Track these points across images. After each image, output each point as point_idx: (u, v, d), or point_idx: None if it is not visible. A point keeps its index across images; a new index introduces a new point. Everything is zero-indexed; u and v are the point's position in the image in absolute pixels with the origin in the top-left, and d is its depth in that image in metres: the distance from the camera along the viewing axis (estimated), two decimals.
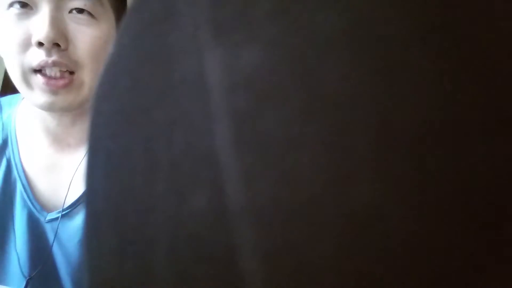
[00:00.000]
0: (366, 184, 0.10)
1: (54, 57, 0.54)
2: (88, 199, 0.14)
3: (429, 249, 0.09)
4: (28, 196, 0.63)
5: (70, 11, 0.55)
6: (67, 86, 0.56)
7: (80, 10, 0.56)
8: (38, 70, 0.55)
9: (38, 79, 0.55)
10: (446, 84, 0.10)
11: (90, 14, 0.56)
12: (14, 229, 0.63)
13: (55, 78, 0.55)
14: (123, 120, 0.13)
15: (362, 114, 0.10)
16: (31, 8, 0.55)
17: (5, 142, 0.66)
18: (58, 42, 0.54)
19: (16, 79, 0.57)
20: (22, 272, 0.62)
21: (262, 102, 0.10)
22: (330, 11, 0.11)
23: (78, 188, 0.63)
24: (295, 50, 0.11)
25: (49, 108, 0.58)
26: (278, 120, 0.10)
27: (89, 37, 0.56)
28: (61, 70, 0.56)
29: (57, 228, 0.61)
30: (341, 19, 0.10)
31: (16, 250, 0.63)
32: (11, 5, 0.55)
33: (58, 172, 0.65)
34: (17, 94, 0.67)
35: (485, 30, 0.10)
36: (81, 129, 0.64)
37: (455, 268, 0.09)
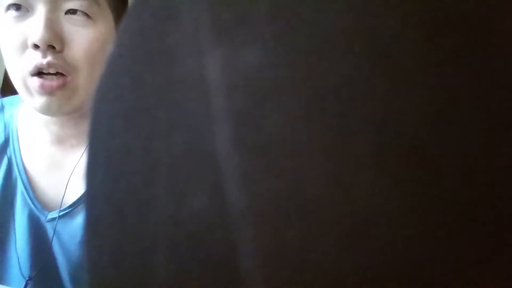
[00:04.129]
0: (366, 184, 0.10)
1: (48, 58, 0.54)
2: (88, 198, 0.14)
3: (430, 248, 0.09)
4: (29, 195, 0.63)
5: (66, 12, 0.55)
6: (62, 87, 0.56)
7: (76, 11, 0.55)
8: (35, 73, 0.55)
9: (35, 82, 0.55)
10: (447, 84, 0.10)
11: (86, 15, 0.56)
12: (14, 228, 0.63)
13: (50, 80, 0.55)
14: (123, 120, 0.13)
15: (362, 114, 0.10)
16: (28, 11, 0.55)
17: (6, 141, 0.66)
18: (53, 44, 0.54)
19: (17, 83, 0.57)
20: (22, 272, 0.62)
21: (262, 102, 0.10)
22: (330, 11, 0.11)
23: (79, 187, 0.63)
24: (295, 50, 0.10)
25: (46, 110, 0.57)
26: (278, 120, 0.10)
27: (85, 39, 0.55)
28: (57, 73, 0.55)
29: (55, 227, 0.61)
30: (341, 19, 0.10)
31: (16, 250, 0.63)
32: (8, 8, 0.55)
33: (60, 171, 0.65)
34: (19, 95, 0.67)
35: (486, 30, 0.10)
36: (83, 130, 0.64)
37: (456, 267, 0.09)
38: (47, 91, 0.55)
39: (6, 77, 0.61)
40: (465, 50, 0.10)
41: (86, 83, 0.57)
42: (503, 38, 0.10)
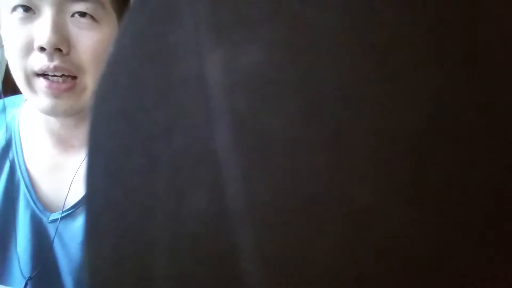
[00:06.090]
0: (366, 184, 0.10)
1: (56, 62, 0.54)
2: (88, 199, 0.14)
3: (429, 249, 0.09)
4: (31, 197, 0.64)
5: (73, 15, 0.55)
6: (70, 90, 0.56)
7: (82, 14, 0.55)
8: (40, 74, 0.55)
9: (41, 82, 0.55)
10: (446, 83, 0.10)
11: (92, 17, 0.56)
12: (16, 229, 0.63)
13: (57, 82, 0.55)
14: (123, 120, 0.13)
15: (361, 114, 0.10)
16: (34, 12, 0.55)
17: (8, 142, 0.67)
18: (60, 47, 0.54)
19: (20, 83, 0.57)
20: (22, 273, 0.62)
21: (261, 102, 0.10)
22: (330, 11, 0.11)
23: (81, 188, 0.63)
24: (294, 50, 0.10)
25: (52, 112, 0.58)
26: (278, 120, 0.10)
27: (91, 41, 0.56)
28: (63, 75, 0.55)
29: (57, 228, 0.61)
30: (340, 19, 0.10)
31: (16, 250, 0.63)
32: (14, 9, 0.55)
33: (62, 172, 0.65)
34: (21, 95, 0.68)
35: (485, 29, 0.10)
36: (85, 131, 0.64)
37: (455, 268, 0.09)
38: (54, 94, 0.55)
39: (7, 75, 0.61)
40: (465, 48, 0.10)
41: (92, 84, 0.57)
42: (505, 36, 0.10)
